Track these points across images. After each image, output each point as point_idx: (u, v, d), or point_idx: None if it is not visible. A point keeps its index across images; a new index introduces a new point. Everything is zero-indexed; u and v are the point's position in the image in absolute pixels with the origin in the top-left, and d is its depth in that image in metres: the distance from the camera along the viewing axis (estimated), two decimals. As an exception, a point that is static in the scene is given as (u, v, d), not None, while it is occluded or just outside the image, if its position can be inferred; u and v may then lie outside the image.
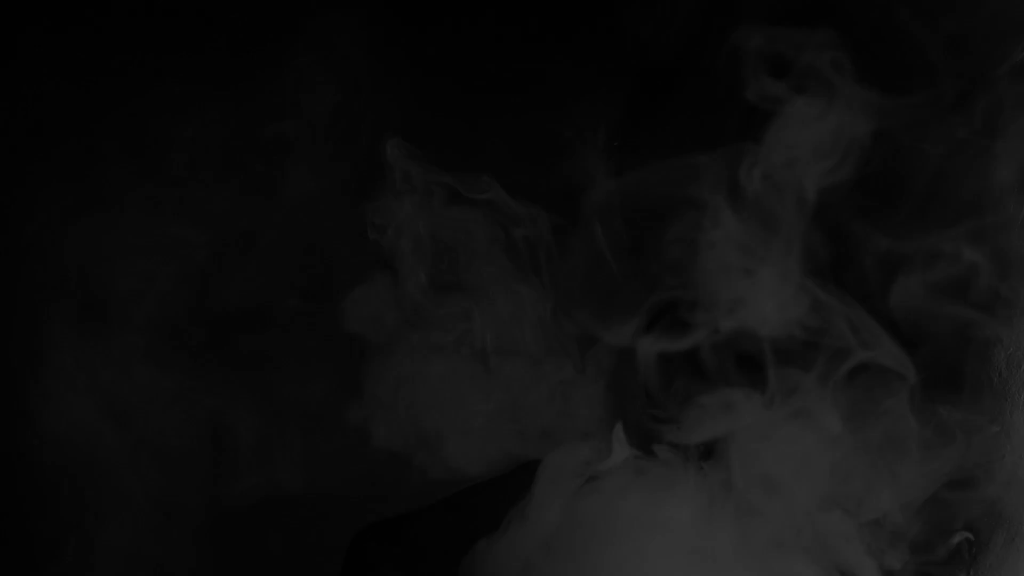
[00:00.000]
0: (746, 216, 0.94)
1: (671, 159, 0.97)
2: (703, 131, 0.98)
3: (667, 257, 0.98)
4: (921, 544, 0.97)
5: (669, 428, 0.96)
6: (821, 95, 0.93)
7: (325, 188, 1.34)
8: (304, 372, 1.36)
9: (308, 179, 1.35)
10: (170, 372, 1.34)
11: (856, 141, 0.93)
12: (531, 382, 1.06)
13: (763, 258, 0.94)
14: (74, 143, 1.36)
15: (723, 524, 0.95)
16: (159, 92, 1.35)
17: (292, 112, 1.35)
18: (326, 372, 1.32)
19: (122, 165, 1.36)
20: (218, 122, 1.36)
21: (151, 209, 1.35)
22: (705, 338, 0.96)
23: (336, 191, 1.33)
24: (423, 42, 1.42)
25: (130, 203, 1.35)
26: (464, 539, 0.99)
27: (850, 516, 0.94)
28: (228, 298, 1.37)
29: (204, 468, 1.37)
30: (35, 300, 1.34)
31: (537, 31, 1.37)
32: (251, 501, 1.32)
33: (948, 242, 0.95)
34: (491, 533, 0.97)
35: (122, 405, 1.32)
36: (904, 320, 0.96)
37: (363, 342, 1.06)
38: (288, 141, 1.35)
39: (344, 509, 1.24)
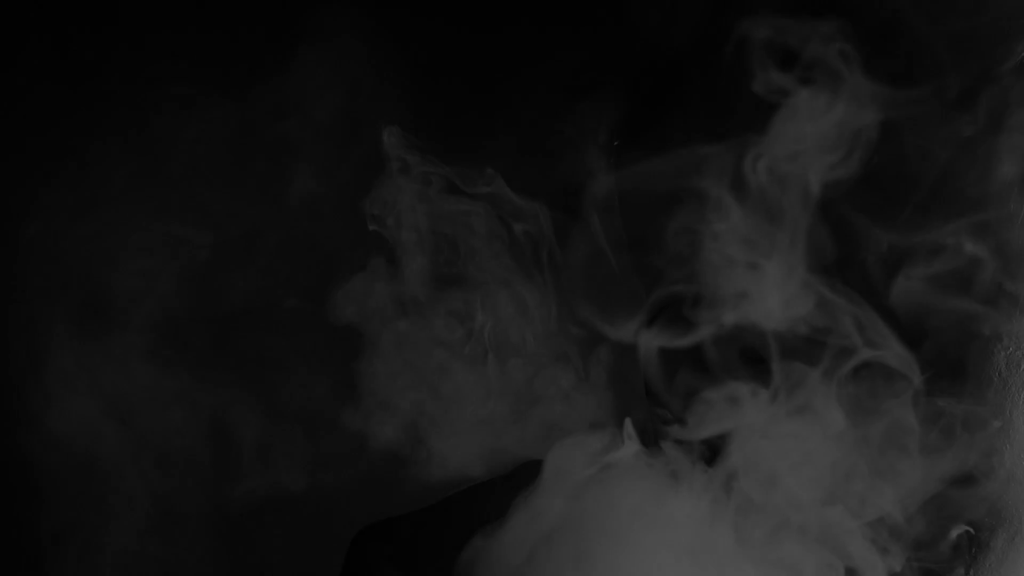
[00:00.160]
0: (750, 209, 0.94)
1: (674, 151, 0.98)
2: (709, 127, 0.98)
3: (670, 250, 0.98)
4: (922, 541, 0.98)
5: (674, 425, 0.96)
6: (828, 87, 0.93)
7: (328, 188, 1.34)
8: (306, 372, 1.36)
9: (311, 179, 1.35)
10: (172, 372, 1.34)
11: (862, 134, 0.93)
12: (532, 380, 1.06)
13: (767, 252, 0.94)
14: (76, 142, 1.36)
15: (728, 521, 0.95)
16: (160, 91, 1.35)
17: (295, 111, 1.35)
18: (328, 372, 1.32)
19: (124, 165, 1.36)
20: (220, 121, 1.36)
21: (153, 209, 1.35)
22: (708, 333, 0.96)
23: (339, 191, 1.33)
24: (426, 40, 1.42)
25: (132, 203, 1.35)
26: (464, 539, 0.99)
27: (854, 514, 0.95)
28: (230, 298, 1.37)
29: (206, 468, 1.37)
30: (36, 300, 1.34)
31: (540, 27, 1.37)
32: (253, 501, 1.32)
33: (951, 237, 0.96)
34: (492, 527, 0.97)
35: (123, 405, 1.32)
36: (906, 315, 0.96)
37: (359, 337, 1.06)
38: (291, 141, 1.35)
39: (344, 509, 1.24)
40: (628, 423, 1.00)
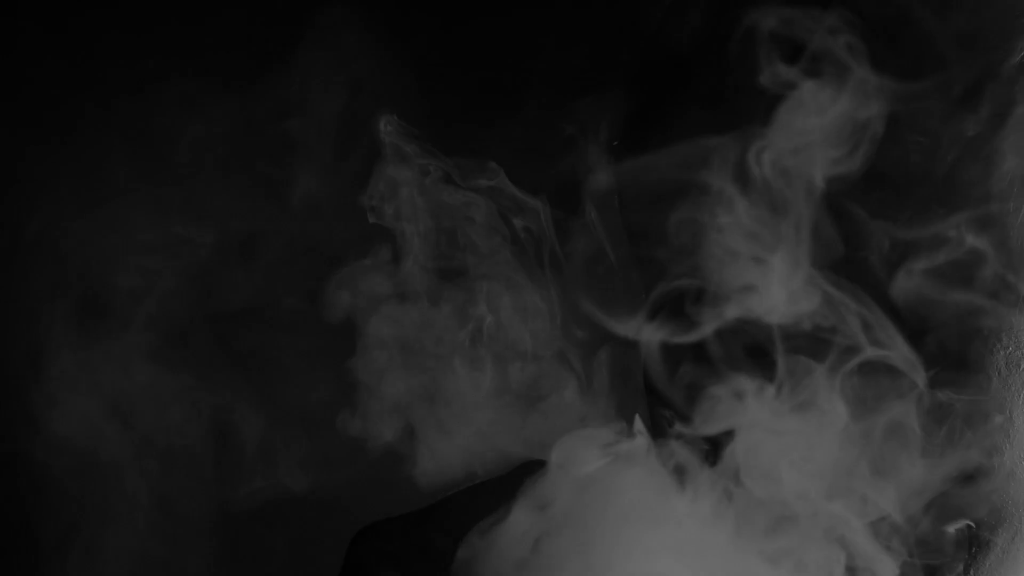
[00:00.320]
0: (754, 202, 0.94)
1: (677, 144, 0.98)
2: (713, 123, 0.98)
3: (672, 244, 0.98)
4: (922, 538, 0.97)
5: (678, 421, 0.96)
6: (834, 80, 0.93)
7: (331, 188, 1.34)
8: (308, 372, 1.36)
9: (313, 178, 1.35)
10: (173, 372, 1.34)
11: (867, 128, 0.93)
12: (533, 378, 1.06)
13: (770, 246, 0.94)
14: (78, 141, 1.36)
15: (731, 516, 0.95)
16: (163, 90, 1.35)
17: (298, 110, 1.35)
18: (329, 372, 1.31)
19: (126, 164, 1.36)
20: (222, 120, 1.36)
21: (155, 208, 1.35)
22: (711, 328, 0.96)
23: (342, 190, 1.33)
24: (428, 37, 1.42)
25: (134, 202, 1.35)
26: (464, 539, 0.99)
27: (855, 510, 0.94)
28: (232, 298, 1.37)
29: (208, 469, 1.37)
30: (38, 300, 1.34)
31: (542, 24, 1.37)
32: (255, 502, 1.32)
33: (953, 230, 0.96)
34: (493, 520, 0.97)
35: (126, 406, 1.32)
36: (908, 310, 0.96)
37: (361, 337, 1.06)
38: (293, 140, 1.35)
39: (346, 509, 1.24)
40: (638, 419, 1.00)
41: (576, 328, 1.06)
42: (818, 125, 0.93)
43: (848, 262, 0.96)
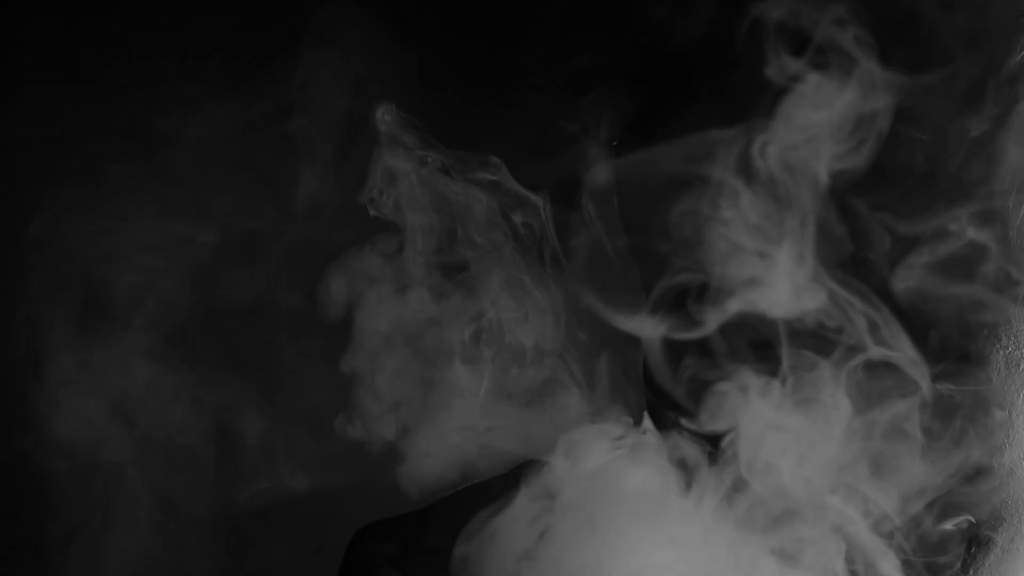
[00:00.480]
0: (758, 196, 0.94)
1: (681, 137, 0.98)
2: (717, 121, 0.98)
3: (674, 237, 0.98)
4: (922, 536, 0.97)
5: (681, 416, 0.96)
6: (841, 73, 0.93)
7: (333, 187, 1.34)
8: (310, 372, 1.36)
9: (315, 178, 1.35)
10: (175, 372, 1.34)
11: (874, 122, 0.93)
12: (533, 377, 1.06)
13: (774, 239, 0.94)
14: (79, 142, 1.35)
15: (732, 509, 0.95)
16: (163, 90, 1.35)
17: (300, 110, 1.35)
18: (331, 372, 1.31)
19: (127, 163, 1.35)
20: (224, 120, 1.35)
21: (156, 208, 1.35)
22: (715, 323, 0.96)
23: (344, 190, 1.32)
24: (430, 35, 1.41)
25: (135, 202, 1.35)
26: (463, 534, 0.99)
27: (859, 508, 0.94)
28: (234, 298, 1.37)
29: (210, 470, 1.37)
30: (39, 300, 1.34)
31: (544, 22, 1.37)
32: (257, 503, 1.32)
33: (956, 225, 0.96)
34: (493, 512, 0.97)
35: (127, 406, 1.32)
36: (912, 305, 0.96)
37: (361, 336, 1.06)
38: (295, 140, 1.35)
39: (349, 510, 1.24)
40: (646, 415, 1.00)
41: (578, 325, 1.06)
42: (823, 119, 0.93)
43: (854, 259, 0.96)
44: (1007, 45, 0.98)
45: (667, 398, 1.00)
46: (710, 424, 0.95)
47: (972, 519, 1.00)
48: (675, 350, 0.99)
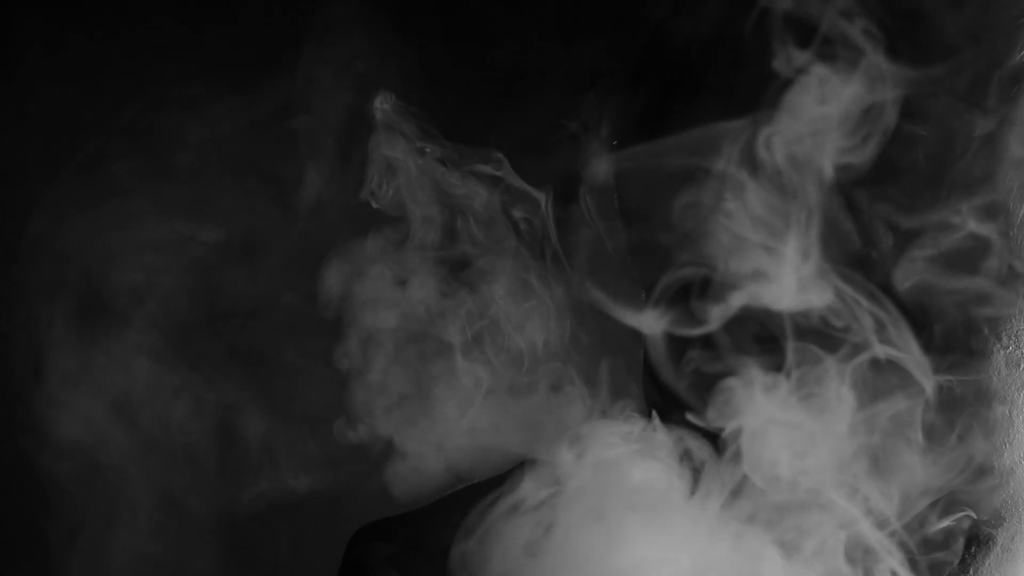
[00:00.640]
0: (761, 189, 0.94)
1: (684, 131, 0.98)
2: (719, 117, 0.98)
3: (676, 230, 0.98)
4: (920, 534, 0.97)
5: (684, 411, 0.96)
6: (848, 65, 0.92)
7: (336, 187, 1.33)
8: (312, 372, 1.36)
9: (318, 178, 1.35)
10: (176, 372, 1.33)
11: (879, 116, 0.93)
12: (533, 375, 1.06)
13: (778, 232, 0.93)
14: (79, 141, 1.35)
15: (735, 507, 0.95)
16: (165, 89, 1.35)
17: (302, 109, 1.35)
18: (332, 372, 1.31)
19: (128, 162, 1.35)
20: (226, 119, 1.35)
21: (158, 207, 1.35)
22: (719, 319, 0.95)
23: (347, 190, 1.32)
24: (432, 33, 1.41)
25: (136, 201, 1.35)
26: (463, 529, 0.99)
27: (861, 504, 0.94)
28: (236, 297, 1.37)
29: (212, 470, 1.36)
30: (40, 300, 1.34)
31: (545, 19, 1.37)
32: (260, 503, 1.32)
33: (959, 219, 0.95)
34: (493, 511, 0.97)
35: (128, 406, 1.32)
36: (914, 300, 0.96)
37: (362, 335, 1.06)
38: (298, 139, 1.35)
39: (351, 510, 1.24)
40: (655, 416, 1.00)
41: (581, 322, 1.05)
42: (828, 112, 0.92)
43: (860, 256, 0.96)
44: (1010, 42, 0.98)
45: (670, 392, 1.00)
46: (714, 419, 0.95)
47: (973, 515, 1.00)
48: (678, 344, 0.99)
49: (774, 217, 0.94)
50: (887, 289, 0.95)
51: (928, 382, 0.94)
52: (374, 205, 1.05)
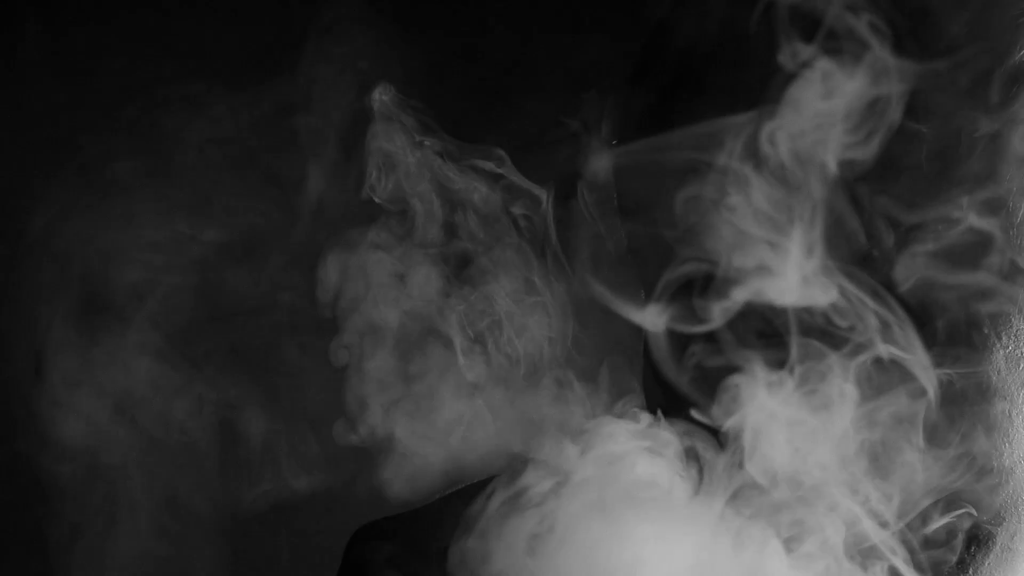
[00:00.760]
0: (764, 185, 0.93)
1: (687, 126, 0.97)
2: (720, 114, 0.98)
3: (678, 225, 0.98)
4: (920, 534, 0.97)
5: (690, 407, 0.96)
6: (853, 59, 0.92)
7: (338, 186, 1.33)
8: (314, 371, 1.35)
9: (320, 176, 1.34)
10: (177, 372, 1.33)
11: (885, 111, 0.93)
12: (533, 374, 1.06)
13: (782, 228, 0.93)
14: (80, 141, 1.35)
15: (736, 503, 0.95)
16: (165, 88, 1.35)
17: (303, 108, 1.35)
18: (334, 371, 1.31)
19: (129, 162, 1.35)
20: (227, 118, 1.35)
21: (159, 206, 1.35)
22: (722, 316, 0.95)
23: (349, 188, 1.32)
24: (437, 33, 1.41)
25: (137, 200, 1.35)
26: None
27: (862, 501, 0.94)
28: (238, 297, 1.37)
29: (213, 470, 1.36)
30: (40, 299, 1.34)
31: (545, 17, 1.37)
32: (261, 503, 1.32)
33: (960, 214, 0.95)
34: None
35: (129, 406, 1.32)
36: (917, 296, 0.96)
37: (363, 334, 1.06)
38: (299, 138, 1.35)
39: (346, 508, 1.24)
40: (660, 415, 1.00)
41: (583, 319, 1.05)
42: (832, 106, 0.92)
43: (865, 254, 0.96)
44: (1011, 40, 0.97)
45: (672, 388, 1.00)
46: (716, 415, 0.95)
47: (974, 511, 1.00)
48: (680, 339, 0.99)
49: (778, 212, 0.93)
50: (889, 285, 0.95)
51: (931, 380, 0.94)
52: (375, 199, 1.05)
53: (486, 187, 1.04)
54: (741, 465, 0.94)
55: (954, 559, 1.00)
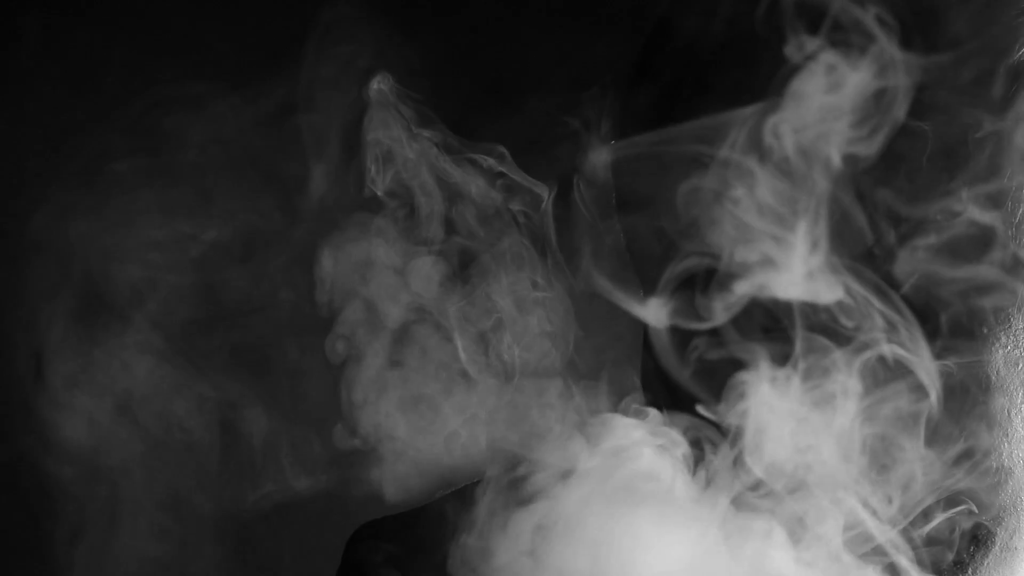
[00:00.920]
0: (768, 179, 0.93)
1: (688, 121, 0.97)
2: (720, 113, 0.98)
3: (679, 221, 0.98)
4: (920, 533, 0.97)
5: (693, 402, 0.96)
6: (860, 53, 0.92)
7: (339, 185, 1.33)
8: (315, 371, 1.35)
9: (321, 176, 1.34)
10: (178, 372, 1.33)
11: (889, 106, 0.93)
12: (533, 373, 1.06)
13: (786, 222, 0.93)
14: (80, 141, 1.35)
15: (737, 500, 0.95)
16: (166, 88, 1.35)
17: (304, 107, 1.35)
18: (334, 371, 1.31)
19: (130, 161, 1.35)
20: (229, 118, 1.35)
21: (160, 206, 1.35)
22: (726, 312, 0.95)
23: (351, 188, 1.32)
24: (437, 33, 1.41)
25: (138, 200, 1.35)
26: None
27: (863, 499, 0.94)
28: (239, 296, 1.36)
29: (214, 470, 1.36)
30: (40, 299, 1.34)
31: (550, 18, 1.37)
32: (263, 503, 1.32)
33: (961, 207, 0.95)
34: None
35: (130, 406, 1.32)
36: (919, 290, 0.96)
37: (363, 335, 1.06)
38: (301, 137, 1.35)
39: (346, 508, 1.24)
40: (663, 412, 1.00)
41: (585, 317, 1.05)
42: (836, 100, 0.92)
43: (870, 250, 0.96)
44: (1012, 38, 0.97)
45: (674, 383, 1.00)
46: (719, 410, 0.95)
47: (974, 508, 0.99)
48: (682, 334, 0.99)
49: (782, 205, 0.93)
50: (891, 279, 0.95)
51: (933, 376, 0.94)
52: (376, 192, 1.05)
53: (485, 181, 1.04)
54: (743, 460, 0.94)
55: (953, 557, 1.00)
